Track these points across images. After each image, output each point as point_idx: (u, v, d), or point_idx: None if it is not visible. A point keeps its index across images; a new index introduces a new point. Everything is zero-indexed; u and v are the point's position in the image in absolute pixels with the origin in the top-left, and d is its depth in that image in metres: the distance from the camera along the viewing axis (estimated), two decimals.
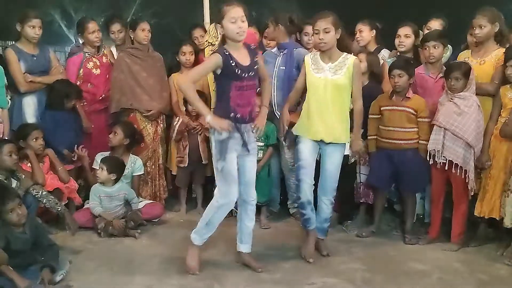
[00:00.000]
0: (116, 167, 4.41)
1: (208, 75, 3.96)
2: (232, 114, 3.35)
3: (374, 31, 4.87)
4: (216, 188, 3.50)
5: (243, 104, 3.38)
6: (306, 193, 3.71)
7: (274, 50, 4.61)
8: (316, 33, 3.59)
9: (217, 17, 3.39)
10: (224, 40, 3.40)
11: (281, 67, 4.43)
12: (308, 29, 4.67)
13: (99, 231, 4.24)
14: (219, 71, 3.33)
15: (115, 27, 5.09)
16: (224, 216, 3.51)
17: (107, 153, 4.62)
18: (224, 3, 3.37)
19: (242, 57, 3.37)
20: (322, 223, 3.84)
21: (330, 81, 3.62)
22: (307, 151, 3.71)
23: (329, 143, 3.68)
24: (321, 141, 3.68)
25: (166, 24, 17.48)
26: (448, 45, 4.62)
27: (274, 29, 4.50)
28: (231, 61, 3.30)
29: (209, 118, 3.30)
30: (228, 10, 3.29)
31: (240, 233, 3.66)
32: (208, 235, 3.56)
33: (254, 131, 3.49)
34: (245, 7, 3.35)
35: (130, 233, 4.23)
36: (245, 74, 3.34)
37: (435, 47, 4.15)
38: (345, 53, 3.67)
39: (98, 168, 4.44)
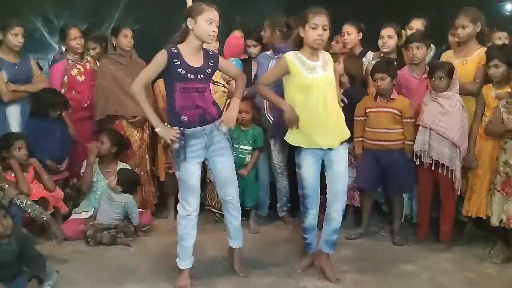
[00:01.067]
0: (129, 184, 4.40)
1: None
2: (178, 118, 3.25)
3: (361, 33, 4.86)
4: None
5: (189, 107, 3.25)
6: (312, 220, 3.52)
7: (269, 52, 4.61)
8: (314, 28, 3.26)
9: (192, 11, 3.25)
10: (184, 36, 3.28)
11: None
12: None
13: (88, 239, 4.19)
14: (164, 68, 3.22)
15: (89, 45, 5.07)
16: (191, 228, 3.37)
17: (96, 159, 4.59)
18: (204, 2, 3.30)
19: (194, 59, 3.27)
20: (331, 234, 3.53)
21: (325, 79, 3.34)
22: (311, 176, 3.41)
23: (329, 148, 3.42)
24: (320, 149, 3.40)
25: (149, 30, 17.41)
26: (431, 45, 4.66)
27: (271, 34, 4.49)
28: (175, 60, 3.21)
29: (158, 129, 3.24)
30: (208, 10, 3.22)
31: (228, 230, 3.64)
32: (189, 253, 3.42)
33: (218, 128, 3.34)
34: (220, 16, 3.29)
35: (120, 242, 4.20)
36: (190, 75, 3.22)
37: (418, 48, 4.18)
38: (322, 51, 3.46)
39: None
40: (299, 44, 3.40)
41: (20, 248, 3.30)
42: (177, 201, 4.91)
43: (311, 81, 3.31)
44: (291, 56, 3.35)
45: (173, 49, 3.24)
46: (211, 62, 3.36)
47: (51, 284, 3.36)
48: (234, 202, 3.53)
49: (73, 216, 4.51)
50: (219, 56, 3.52)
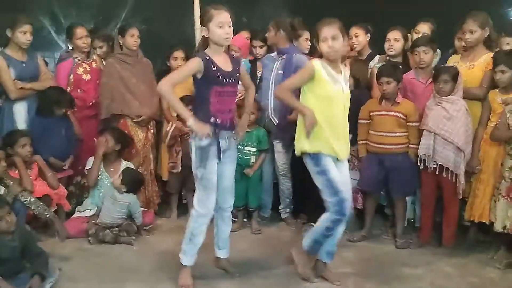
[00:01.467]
0: (133, 184, 4.42)
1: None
2: (212, 119, 3.26)
3: (369, 35, 4.86)
4: (194, 197, 3.41)
5: (223, 110, 3.31)
6: (341, 229, 3.42)
7: (273, 54, 4.61)
8: (324, 41, 3.26)
9: (203, 20, 3.31)
10: (205, 43, 3.33)
11: (279, 72, 4.42)
12: (308, 34, 4.69)
13: (89, 237, 4.20)
14: (199, 75, 3.25)
15: (96, 43, 5.08)
16: (205, 226, 3.41)
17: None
18: (211, 6, 3.33)
19: (224, 63, 3.31)
20: (334, 245, 3.50)
21: (346, 94, 3.37)
22: (339, 178, 3.30)
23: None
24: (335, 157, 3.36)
25: (156, 30, 17.47)
26: (437, 49, 4.65)
27: (275, 34, 4.49)
28: (212, 66, 3.24)
29: (190, 121, 3.15)
30: (216, 14, 3.24)
31: (217, 239, 3.62)
32: (195, 251, 3.44)
33: (234, 138, 3.44)
34: (231, 13, 3.31)
35: (122, 241, 4.21)
36: (226, 80, 3.28)
37: (425, 52, 4.17)
38: (341, 65, 3.48)
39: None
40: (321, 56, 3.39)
41: (23, 244, 3.32)
42: (180, 200, 5.01)
43: (335, 93, 3.29)
44: (318, 63, 3.29)
45: (207, 57, 3.26)
46: (237, 66, 3.41)
47: (53, 281, 3.37)
48: (230, 210, 3.59)
49: (76, 214, 4.52)
50: (240, 60, 3.58)
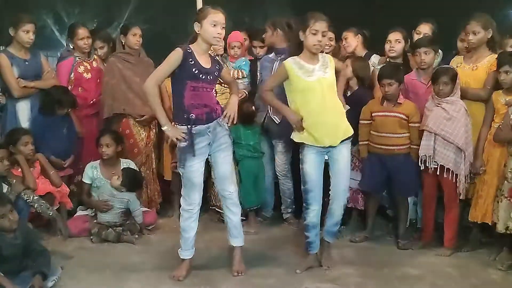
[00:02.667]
0: (133, 184, 4.46)
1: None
2: (185, 115, 3.35)
3: (360, 36, 4.88)
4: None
5: (198, 105, 3.37)
6: (313, 218, 3.59)
7: (272, 55, 4.62)
8: (314, 34, 3.40)
9: (198, 16, 3.37)
10: (195, 40, 3.41)
11: None
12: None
13: (91, 236, 4.21)
14: (177, 68, 3.32)
15: (96, 44, 5.08)
16: (192, 222, 3.50)
17: (97, 162, 4.60)
18: (210, 6, 3.40)
19: (204, 60, 3.40)
20: (333, 226, 3.71)
21: (324, 81, 3.50)
22: (313, 171, 3.52)
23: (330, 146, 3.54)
24: (322, 147, 3.53)
25: (159, 29, 17.47)
26: (439, 50, 4.65)
27: (272, 34, 4.50)
28: (190, 59, 3.32)
29: (165, 127, 3.34)
30: (212, 13, 3.33)
31: (228, 228, 3.68)
32: (189, 245, 3.55)
33: (224, 122, 3.47)
34: (226, 17, 3.39)
35: (125, 239, 4.21)
36: (202, 76, 3.36)
37: (426, 53, 4.17)
38: (324, 54, 3.61)
39: (86, 181, 4.53)
40: (299, 47, 3.52)
41: (25, 243, 3.33)
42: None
43: (309, 84, 3.47)
44: (289, 62, 3.51)
45: (188, 49, 3.35)
46: (217, 67, 3.50)
47: (55, 279, 3.38)
48: (233, 197, 3.60)
49: (78, 213, 4.53)
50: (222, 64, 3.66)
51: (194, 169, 3.42)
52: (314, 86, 3.47)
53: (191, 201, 3.48)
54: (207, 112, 3.40)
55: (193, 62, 3.33)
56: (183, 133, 3.34)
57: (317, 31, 3.39)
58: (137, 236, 4.26)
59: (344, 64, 4.43)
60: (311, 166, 3.53)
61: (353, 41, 4.88)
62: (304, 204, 3.61)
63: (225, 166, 3.55)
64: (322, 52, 3.58)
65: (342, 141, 3.55)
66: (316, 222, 3.60)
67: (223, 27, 3.36)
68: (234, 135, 4.50)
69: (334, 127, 3.53)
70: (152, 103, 3.36)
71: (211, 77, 3.41)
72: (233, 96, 3.61)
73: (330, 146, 3.52)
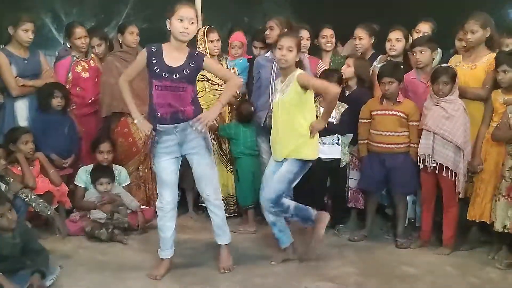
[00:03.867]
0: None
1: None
2: (152, 113, 3.42)
3: (373, 37, 4.80)
4: None
5: (162, 104, 3.37)
6: (266, 216, 3.77)
7: (268, 54, 4.61)
8: (279, 49, 3.55)
9: (168, 12, 3.37)
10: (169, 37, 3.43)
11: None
12: (327, 31, 4.74)
13: (86, 235, 4.21)
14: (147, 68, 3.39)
15: (94, 41, 5.06)
16: (167, 221, 3.52)
17: (90, 167, 4.61)
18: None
19: (174, 58, 3.37)
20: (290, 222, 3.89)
21: (280, 102, 3.64)
22: (269, 173, 3.74)
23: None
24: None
25: (158, 28, 17.44)
26: (438, 49, 4.65)
27: (280, 32, 4.48)
28: (153, 59, 3.34)
29: (136, 120, 3.43)
30: (179, 8, 3.32)
31: (212, 227, 3.71)
32: (167, 245, 3.57)
33: (193, 125, 3.37)
34: (196, 11, 3.40)
35: (117, 239, 4.21)
36: (165, 74, 3.34)
37: (421, 52, 4.18)
38: (296, 69, 3.61)
39: (80, 184, 4.56)
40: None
41: (24, 242, 3.32)
42: (182, 200, 5.00)
43: (275, 100, 3.73)
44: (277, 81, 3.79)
45: (153, 48, 3.39)
46: (192, 63, 3.42)
47: (53, 278, 3.37)
48: (211, 199, 3.61)
49: (76, 212, 4.53)
50: (205, 57, 3.58)
51: (162, 166, 3.47)
52: (275, 103, 3.71)
53: (162, 198, 3.51)
54: (172, 112, 3.38)
55: (155, 61, 3.34)
56: (150, 127, 3.40)
57: (282, 46, 3.53)
58: (127, 237, 4.23)
59: (345, 65, 4.43)
60: (267, 170, 3.78)
61: (367, 43, 4.77)
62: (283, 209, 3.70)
63: (200, 168, 3.55)
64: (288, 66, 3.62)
65: (292, 158, 3.64)
66: (272, 219, 3.74)
67: (192, 22, 3.32)
68: (233, 132, 4.52)
69: (284, 145, 3.64)
70: (124, 97, 3.48)
71: (177, 76, 3.35)
72: (217, 103, 3.51)
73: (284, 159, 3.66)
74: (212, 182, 3.60)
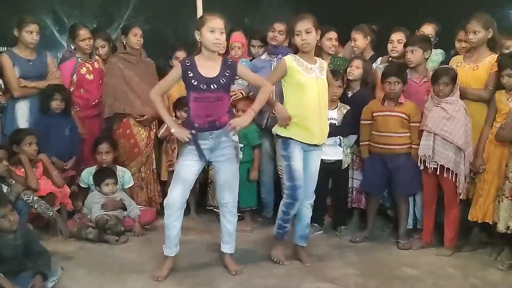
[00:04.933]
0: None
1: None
2: (190, 125, 3.45)
3: (369, 37, 4.85)
4: None
5: (200, 115, 3.41)
6: (296, 210, 3.72)
7: (264, 56, 4.61)
8: (297, 35, 3.54)
9: (197, 24, 3.45)
10: (200, 49, 3.45)
11: None
12: (332, 34, 4.72)
13: (74, 236, 4.19)
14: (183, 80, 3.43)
15: (98, 43, 5.07)
16: (174, 220, 3.51)
17: (93, 168, 4.62)
18: (207, 12, 3.46)
19: (209, 68, 3.40)
20: (304, 229, 3.82)
21: (321, 82, 3.61)
22: (300, 167, 3.61)
23: (314, 145, 3.64)
24: (307, 144, 3.62)
25: (159, 30, 17.49)
26: (441, 50, 4.65)
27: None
28: (189, 72, 3.38)
29: (173, 130, 3.47)
30: (209, 20, 3.37)
31: (221, 233, 3.71)
32: (172, 243, 3.57)
33: (226, 132, 3.44)
34: (226, 21, 3.42)
35: (106, 238, 4.20)
36: (203, 86, 3.37)
37: (412, 52, 4.18)
38: (319, 58, 3.73)
39: (83, 185, 4.59)
40: (296, 49, 3.66)
41: (25, 243, 3.31)
42: None
43: (309, 80, 3.56)
44: (289, 58, 3.61)
45: (187, 62, 3.42)
46: (227, 72, 3.45)
47: (55, 280, 3.37)
48: (230, 206, 3.62)
49: (78, 214, 4.53)
50: (237, 64, 3.59)
51: (186, 164, 3.47)
52: (312, 83, 3.57)
53: (171, 196, 3.49)
54: (209, 122, 3.42)
55: (192, 74, 3.37)
56: (190, 134, 3.40)
57: (300, 31, 3.52)
58: (117, 237, 4.22)
59: (349, 66, 4.44)
60: (300, 163, 3.61)
61: (362, 44, 4.83)
62: (289, 199, 3.64)
63: (226, 175, 3.56)
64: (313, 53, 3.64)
65: (318, 146, 3.67)
66: (294, 213, 3.73)
67: (222, 32, 3.38)
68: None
69: (324, 127, 3.65)
70: (159, 110, 3.50)
71: (215, 86, 3.39)
72: (249, 110, 3.54)
73: (314, 145, 3.63)
74: (234, 190, 3.62)
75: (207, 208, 4.80)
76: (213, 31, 3.34)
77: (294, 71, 3.56)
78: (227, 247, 3.69)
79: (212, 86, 3.38)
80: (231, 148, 3.54)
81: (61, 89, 4.61)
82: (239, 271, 3.61)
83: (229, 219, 3.64)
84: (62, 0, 19.83)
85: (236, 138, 3.53)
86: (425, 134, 3.96)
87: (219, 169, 3.57)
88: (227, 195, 3.59)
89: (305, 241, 3.85)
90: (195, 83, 3.37)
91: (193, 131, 3.41)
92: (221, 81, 3.41)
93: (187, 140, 3.40)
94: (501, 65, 3.85)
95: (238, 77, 3.64)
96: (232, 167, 3.57)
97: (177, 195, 3.49)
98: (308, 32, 3.52)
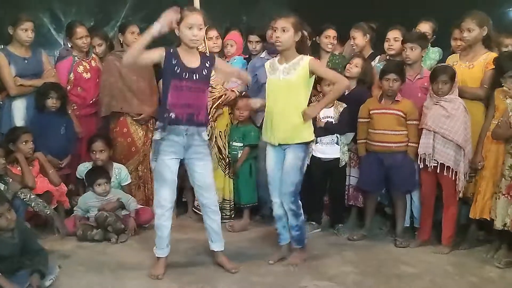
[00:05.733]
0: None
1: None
2: (166, 114, 3.38)
3: (368, 36, 4.85)
4: None
5: (179, 105, 3.38)
6: (277, 210, 3.73)
7: (263, 54, 4.60)
8: (274, 31, 3.52)
9: (178, 20, 3.40)
10: (179, 44, 3.44)
11: None
12: (331, 32, 4.72)
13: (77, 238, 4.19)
14: (162, 66, 3.39)
15: (95, 41, 5.06)
16: (165, 220, 3.51)
17: (89, 164, 4.61)
18: (187, 7, 3.43)
19: (190, 60, 3.41)
20: (292, 230, 3.74)
21: (284, 81, 3.54)
22: (268, 166, 3.70)
23: (285, 144, 3.60)
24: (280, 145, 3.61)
25: None
26: (438, 48, 4.65)
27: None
28: (173, 59, 3.36)
29: (157, 24, 3.32)
30: (187, 16, 3.34)
31: (208, 233, 3.70)
32: (163, 244, 3.56)
33: (204, 134, 3.49)
34: (205, 16, 3.41)
35: (109, 237, 4.19)
36: (185, 75, 3.37)
37: (412, 49, 4.18)
38: (303, 55, 3.57)
39: (80, 177, 4.55)
40: (300, 46, 3.60)
41: (23, 242, 3.31)
42: (179, 199, 5.00)
43: (269, 81, 3.64)
44: (267, 62, 3.73)
45: (171, 50, 3.40)
46: (207, 63, 3.48)
47: (53, 278, 3.36)
48: (212, 205, 3.62)
49: (75, 212, 4.52)
50: (215, 57, 3.61)
51: (166, 164, 3.44)
52: (270, 84, 3.63)
53: (160, 197, 3.48)
54: (188, 114, 3.40)
55: (175, 61, 3.37)
56: (162, 127, 3.37)
57: (277, 28, 3.48)
58: (116, 237, 4.20)
59: (348, 63, 4.43)
60: (269, 161, 3.68)
61: (361, 42, 4.82)
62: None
63: (204, 174, 3.56)
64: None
65: (293, 145, 3.57)
66: (280, 214, 3.72)
67: (200, 28, 3.36)
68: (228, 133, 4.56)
69: (286, 128, 3.56)
70: (138, 42, 3.40)
71: (197, 76, 3.40)
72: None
73: (280, 145, 3.60)
74: (213, 188, 3.64)
75: (193, 209, 4.79)
76: (191, 27, 3.33)
77: (267, 73, 3.67)
78: (217, 245, 3.69)
79: (194, 76, 3.39)
80: (204, 147, 3.55)
81: (56, 87, 4.58)
82: (235, 268, 3.61)
83: (212, 218, 3.64)
84: None
85: (206, 137, 3.55)
86: (424, 132, 3.96)
87: (194, 169, 3.54)
88: (207, 194, 3.60)
89: (297, 243, 3.77)
90: (178, 71, 3.36)
91: (167, 125, 3.36)
92: (203, 72, 3.43)
93: (172, 19, 3.30)
94: (503, 68, 3.79)
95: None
96: (208, 166, 3.59)
97: (167, 195, 3.49)
98: (284, 31, 3.47)
